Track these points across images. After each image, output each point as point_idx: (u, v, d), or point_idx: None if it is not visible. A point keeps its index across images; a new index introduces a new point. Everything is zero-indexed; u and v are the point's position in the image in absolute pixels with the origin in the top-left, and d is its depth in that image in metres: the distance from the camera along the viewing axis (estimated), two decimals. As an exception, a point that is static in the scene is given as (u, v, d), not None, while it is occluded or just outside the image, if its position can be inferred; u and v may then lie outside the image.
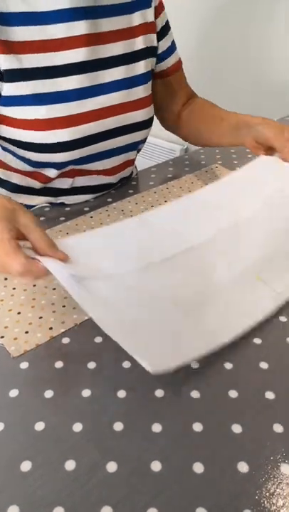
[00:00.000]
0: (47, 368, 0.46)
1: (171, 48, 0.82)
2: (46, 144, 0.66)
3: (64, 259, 0.47)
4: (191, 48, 1.78)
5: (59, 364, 0.47)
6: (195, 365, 0.46)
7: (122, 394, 0.43)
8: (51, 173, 0.71)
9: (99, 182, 0.78)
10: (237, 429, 0.40)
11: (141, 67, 0.73)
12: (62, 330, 0.51)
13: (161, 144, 2.02)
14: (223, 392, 0.43)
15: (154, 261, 0.52)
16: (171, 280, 0.51)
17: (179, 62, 0.84)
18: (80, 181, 0.76)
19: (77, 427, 0.40)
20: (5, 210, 0.46)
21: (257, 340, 0.49)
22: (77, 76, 0.66)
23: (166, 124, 0.92)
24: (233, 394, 0.43)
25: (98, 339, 0.50)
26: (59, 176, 0.73)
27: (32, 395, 0.43)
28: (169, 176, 0.87)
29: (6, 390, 0.44)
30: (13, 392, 0.44)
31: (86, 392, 0.43)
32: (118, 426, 0.40)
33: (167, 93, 0.84)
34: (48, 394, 0.43)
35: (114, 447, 0.39)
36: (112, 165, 0.76)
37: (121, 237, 0.55)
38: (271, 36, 1.51)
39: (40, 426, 0.41)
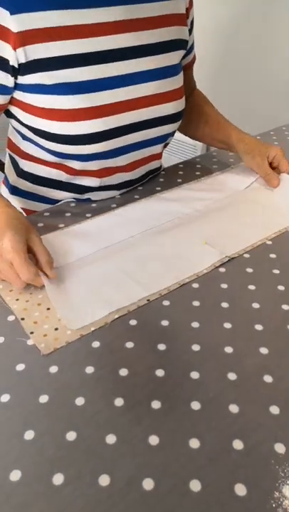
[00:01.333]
0: (77, 374, 0.44)
1: (192, 45, 0.83)
2: (71, 136, 0.63)
3: (53, 278, 0.55)
4: (209, 46, 1.74)
5: (90, 369, 0.45)
6: (233, 377, 0.44)
7: (156, 405, 0.41)
8: (75, 165, 0.69)
9: (125, 179, 0.75)
10: (280, 448, 0.38)
11: (174, 57, 0.71)
12: (93, 328, 0.50)
13: (182, 139, 1.99)
14: (265, 408, 0.41)
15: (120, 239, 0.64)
16: (125, 247, 0.63)
17: (194, 58, 0.86)
18: (108, 180, 0.73)
19: (111, 439, 0.38)
20: (22, 224, 0.55)
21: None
22: (111, 64, 0.63)
23: None
24: (274, 410, 0.41)
25: (130, 344, 0.48)
26: (86, 174, 0.71)
27: (62, 401, 0.42)
28: (197, 173, 0.84)
29: (36, 395, 0.42)
30: (43, 398, 0.42)
31: (119, 401, 0.41)
32: (153, 440, 0.38)
33: None
34: (79, 401, 0.41)
35: (150, 462, 0.37)
36: (137, 159, 0.73)
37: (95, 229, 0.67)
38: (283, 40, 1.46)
39: (71, 436, 0.39)
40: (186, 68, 0.82)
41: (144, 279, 0.56)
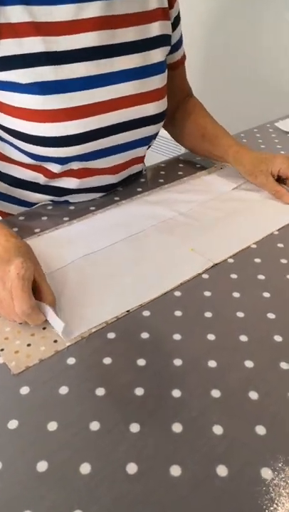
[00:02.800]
0: (50, 394, 0.41)
1: (180, 41, 0.78)
2: (48, 138, 0.60)
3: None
4: (194, 43, 1.71)
5: (64, 390, 0.42)
6: (216, 394, 0.41)
7: (135, 428, 0.38)
8: (54, 168, 0.65)
9: (106, 182, 0.72)
10: (267, 474, 0.35)
11: (156, 55, 0.67)
12: (68, 343, 0.46)
13: (165, 136, 1.95)
14: (251, 428, 0.39)
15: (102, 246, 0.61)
16: (109, 254, 0.60)
17: (184, 57, 0.81)
18: (87, 182, 0.70)
19: (85, 468, 0.35)
20: (31, 253, 0.52)
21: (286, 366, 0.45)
22: (86, 63, 0.59)
23: None
24: (260, 430, 0.38)
25: (107, 360, 0.45)
26: (66, 175, 0.67)
27: (33, 427, 0.38)
28: (180, 173, 0.82)
29: (4, 420, 0.39)
30: (12, 424, 0.39)
31: (94, 425, 0.38)
32: (131, 468, 0.36)
33: (169, 87, 0.77)
34: (52, 426, 0.38)
35: (128, 493, 0.34)
36: (119, 162, 0.70)
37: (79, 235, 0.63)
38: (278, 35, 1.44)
39: (43, 466, 0.36)
40: (173, 67, 0.78)
41: (127, 290, 0.53)
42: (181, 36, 0.77)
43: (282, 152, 0.91)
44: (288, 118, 1.07)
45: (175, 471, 0.35)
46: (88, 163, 0.66)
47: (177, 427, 0.38)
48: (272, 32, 1.48)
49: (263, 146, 0.94)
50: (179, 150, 1.90)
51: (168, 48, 0.71)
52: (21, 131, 0.60)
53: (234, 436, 0.38)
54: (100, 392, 0.41)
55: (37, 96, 0.57)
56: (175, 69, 0.78)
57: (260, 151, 0.74)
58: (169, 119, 0.82)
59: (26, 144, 0.62)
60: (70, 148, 0.62)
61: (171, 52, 0.74)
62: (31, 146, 0.62)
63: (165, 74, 0.70)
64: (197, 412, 0.40)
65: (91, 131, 0.62)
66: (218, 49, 1.65)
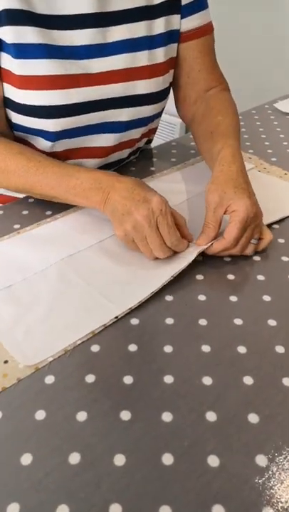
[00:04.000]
0: (25, 420, 0.37)
1: (197, 4, 0.63)
2: (30, 106, 0.56)
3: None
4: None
5: (40, 414, 0.37)
6: (212, 418, 0.37)
7: (119, 460, 0.34)
8: (43, 145, 0.61)
9: (93, 166, 0.66)
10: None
11: (160, 25, 0.60)
12: (50, 359, 0.42)
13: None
14: (250, 458, 0.34)
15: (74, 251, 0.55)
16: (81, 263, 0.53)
17: (205, 29, 0.65)
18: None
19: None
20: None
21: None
22: (80, 31, 0.55)
23: (178, 110, 0.73)
24: (261, 460, 0.34)
25: (90, 378, 0.40)
26: (52, 156, 0.62)
27: (5, 460, 0.34)
28: (173, 159, 0.76)
29: (-28, 454, 0.34)
30: (-19, 457, 0.34)
31: (74, 458, 0.34)
32: (115, 510, 0.31)
33: (184, 67, 0.67)
34: (26, 460, 0.34)
35: None
36: (109, 143, 0.64)
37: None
38: None
39: (13, 509, 0.31)
40: (181, 39, 0.64)
41: (116, 293, 0.48)
42: (197, 1, 0.63)
43: (281, 136, 0.85)
44: (288, 98, 1.00)
45: (165, 512, 0.31)
46: (74, 142, 0.61)
47: (168, 459, 0.34)
48: (272, 6, 1.39)
49: (261, 129, 0.87)
50: (172, 133, 1.82)
51: (177, 17, 0.62)
52: (8, 97, 0.57)
53: (231, 469, 0.33)
54: (82, 416, 0.37)
55: (14, 59, 0.53)
56: (183, 42, 0.64)
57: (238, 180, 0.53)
58: (188, 116, 0.70)
59: (13, 112, 0.58)
60: (54, 121, 0.57)
61: (184, 17, 0.63)
62: (14, 113, 0.58)
63: (170, 47, 0.63)
64: (190, 440, 0.35)
65: (77, 104, 0.57)
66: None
